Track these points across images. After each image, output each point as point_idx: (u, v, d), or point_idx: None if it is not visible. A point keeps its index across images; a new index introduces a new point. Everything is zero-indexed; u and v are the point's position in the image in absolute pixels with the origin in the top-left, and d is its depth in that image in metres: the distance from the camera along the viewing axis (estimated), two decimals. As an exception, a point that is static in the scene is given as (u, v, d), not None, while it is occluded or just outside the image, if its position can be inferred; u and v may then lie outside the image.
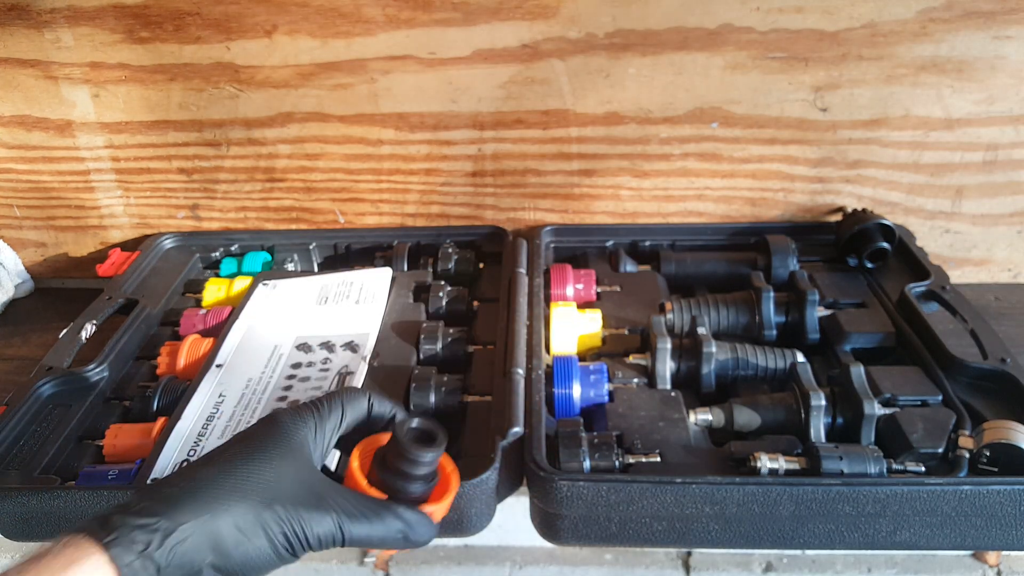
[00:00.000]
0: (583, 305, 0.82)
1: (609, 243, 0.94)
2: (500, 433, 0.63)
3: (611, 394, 0.70)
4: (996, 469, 0.60)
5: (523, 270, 0.86)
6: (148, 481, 0.61)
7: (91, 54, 0.89)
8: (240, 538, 0.37)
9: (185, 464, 0.44)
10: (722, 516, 0.58)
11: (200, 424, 0.68)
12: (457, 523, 0.60)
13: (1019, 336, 0.85)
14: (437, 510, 0.46)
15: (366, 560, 0.83)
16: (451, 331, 0.79)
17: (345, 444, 0.48)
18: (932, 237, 0.94)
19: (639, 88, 0.87)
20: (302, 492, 0.40)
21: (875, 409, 0.63)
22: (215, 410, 0.70)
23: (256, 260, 0.95)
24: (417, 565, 0.82)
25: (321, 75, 0.88)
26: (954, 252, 0.96)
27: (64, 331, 0.81)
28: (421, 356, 0.77)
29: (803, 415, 0.65)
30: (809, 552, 0.81)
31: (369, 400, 0.47)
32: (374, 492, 0.44)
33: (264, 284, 0.88)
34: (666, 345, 0.71)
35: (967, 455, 0.60)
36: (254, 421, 0.68)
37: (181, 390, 0.73)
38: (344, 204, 0.99)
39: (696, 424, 0.67)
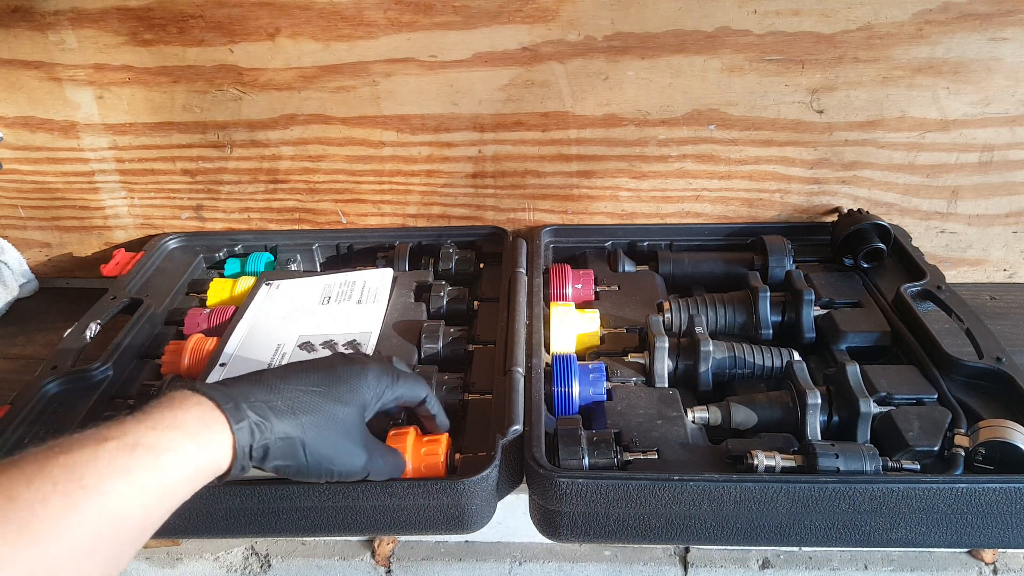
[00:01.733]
0: (582, 305, 0.83)
1: (608, 243, 0.95)
2: (500, 431, 0.63)
3: (610, 392, 0.71)
4: (992, 467, 0.61)
5: (523, 270, 0.86)
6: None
7: (95, 56, 0.89)
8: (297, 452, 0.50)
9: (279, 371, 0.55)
10: (719, 513, 0.59)
11: (204, 422, 0.69)
12: (458, 519, 0.61)
13: (1014, 335, 0.85)
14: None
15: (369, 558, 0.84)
16: (452, 330, 0.80)
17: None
18: (928, 237, 0.95)
19: (637, 90, 0.88)
20: (351, 434, 0.53)
21: (871, 407, 0.64)
22: (219, 408, 0.70)
23: (259, 260, 0.96)
24: (419, 561, 0.83)
25: (323, 78, 0.89)
26: (950, 252, 0.96)
27: (69, 330, 0.82)
28: (422, 355, 0.78)
29: (799, 413, 0.65)
30: (806, 548, 0.82)
31: (425, 395, 0.61)
32: None
33: (267, 284, 0.89)
34: (664, 344, 0.72)
35: (963, 453, 0.61)
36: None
37: (185, 389, 0.74)
38: (346, 205, 1.00)
39: (694, 422, 0.68)
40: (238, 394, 0.48)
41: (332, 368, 0.54)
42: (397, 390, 0.58)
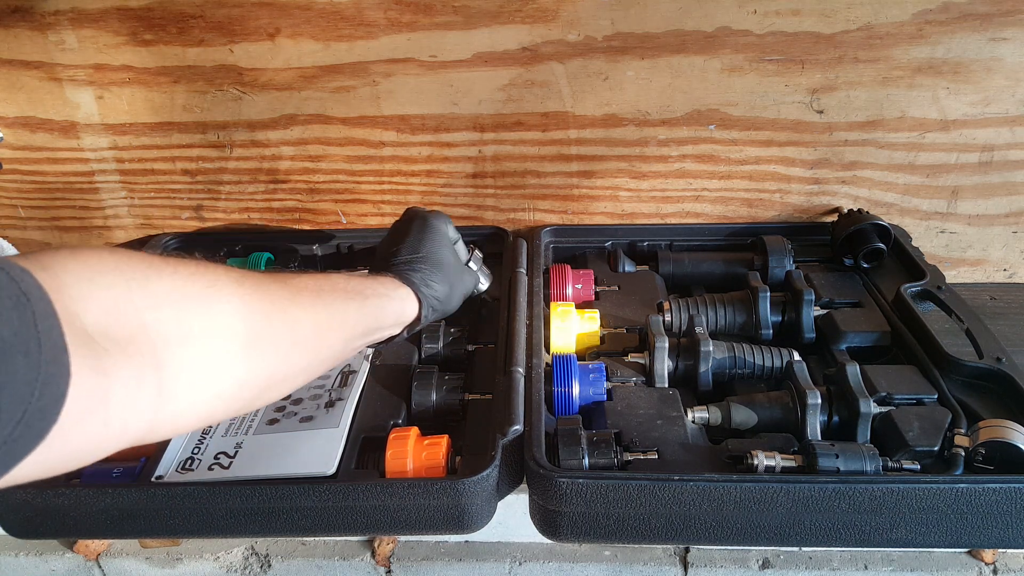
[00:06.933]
0: (582, 305, 0.83)
1: (608, 243, 0.95)
2: (500, 431, 0.63)
3: (610, 392, 0.71)
4: (992, 467, 0.61)
5: (523, 270, 0.86)
6: (153, 478, 0.63)
7: (95, 56, 0.89)
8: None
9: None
10: (719, 513, 0.59)
11: (204, 422, 0.69)
12: (458, 520, 0.61)
13: (1014, 335, 0.85)
14: None
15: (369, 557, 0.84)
16: (452, 330, 0.80)
17: None
18: (928, 237, 0.95)
19: (637, 90, 0.88)
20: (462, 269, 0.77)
21: (871, 407, 0.64)
22: (219, 408, 0.70)
23: (259, 260, 0.96)
24: (418, 561, 0.83)
25: (323, 77, 0.89)
26: (950, 252, 0.96)
27: (69, 331, 0.82)
28: (422, 355, 0.78)
29: (799, 413, 0.65)
30: (806, 548, 0.82)
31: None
32: None
33: (267, 284, 0.88)
34: (664, 344, 0.72)
35: (963, 453, 0.61)
36: (257, 419, 0.69)
37: (185, 389, 0.74)
38: (346, 205, 1.00)
39: (694, 422, 0.68)
40: (419, 280, 0.69)
41: (433, 228, 0.75)
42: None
